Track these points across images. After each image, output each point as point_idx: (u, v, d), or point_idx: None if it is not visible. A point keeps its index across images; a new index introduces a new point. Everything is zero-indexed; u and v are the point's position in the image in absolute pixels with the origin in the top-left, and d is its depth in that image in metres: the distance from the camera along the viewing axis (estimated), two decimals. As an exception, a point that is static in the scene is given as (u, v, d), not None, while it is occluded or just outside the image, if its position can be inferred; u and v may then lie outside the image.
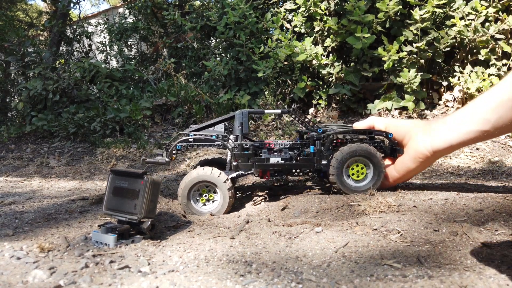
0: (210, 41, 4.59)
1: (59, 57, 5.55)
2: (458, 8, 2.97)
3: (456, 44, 3.04)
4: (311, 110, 3.41)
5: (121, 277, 0.87)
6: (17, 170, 3.04)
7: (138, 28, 5.28)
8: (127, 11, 5.89)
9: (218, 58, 4.13)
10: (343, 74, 3.24)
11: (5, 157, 3.45)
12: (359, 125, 1.61)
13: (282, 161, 1.54)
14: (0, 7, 6.83)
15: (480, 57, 2.98)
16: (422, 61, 3.03)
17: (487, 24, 2.97)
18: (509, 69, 2.92)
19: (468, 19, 2.96)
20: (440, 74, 3.20)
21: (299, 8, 3.48)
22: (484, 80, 2.84)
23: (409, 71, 2.95)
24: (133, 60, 5.34)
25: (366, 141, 1.57)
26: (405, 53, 2.96)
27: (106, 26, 5.95)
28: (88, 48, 6.07)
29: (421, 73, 3.01)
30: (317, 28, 3.37)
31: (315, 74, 3.41)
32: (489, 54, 2.93)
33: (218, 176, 1.42)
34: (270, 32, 3.66)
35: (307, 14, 3.40)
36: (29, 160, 3.33)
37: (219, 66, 3.61)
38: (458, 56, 3.13)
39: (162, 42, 5.08)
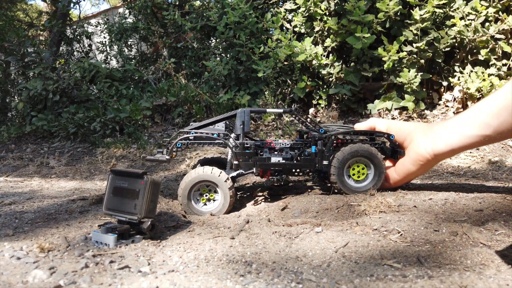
0: (210, 41, 4.59)
1: (59, 57, 5.55)
2: (458, 8, 2.97)
3: (456, 44, 3.04)
4: (311, 110, 3.41)
5: (121, 277, 0.87)
6: (17, 170, 3.04)
7: (138, 28, 5.28)
8: (127, 11, 5.89)
9: (218, 58, 4.13)
10: (343, 74, 3.24)
11: (5, 157, 3.45)
12: (361, 126, 1.61)
13: (283, 161, 1.54)
14: (0, 7, 6.83)
15: (480, 57, 2.98)
16: (422, 61, 3.03)
17: (487, 24, 2.97)
18: (509, 69, 2.92)
19: (468, 19, 2.96)
20: (440, 74, 3.20)
21: (299, 8, 3.48)
22: (484, 80, 2.84)
23: (409, 71, 2.95)
24: (133, 60, 5.34)
25: (367, 142, 1.57)
26: (405, 53, 2.96)
27: (106, 26, 5.95)
28: (88, 48, 6.07)
29: (421, 73, 3.01)
30: (317, 28, 3.37)
31: (315, 74, 3.41)
32: (489, 54, 2.93)
33: (219, 175, 1.41)
34: (270, 32, 3.66)
35: (307, 14, 3.40)
36: (29, 160, 3.33)
37: (219, 66, 3.61)
38: (458, 56, 3.13)
39: (162, 42, 5.08)
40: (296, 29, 3.49)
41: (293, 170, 1.56)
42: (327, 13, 3.36)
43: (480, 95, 2.89)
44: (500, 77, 2.89)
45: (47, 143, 3.81)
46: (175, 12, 4.43)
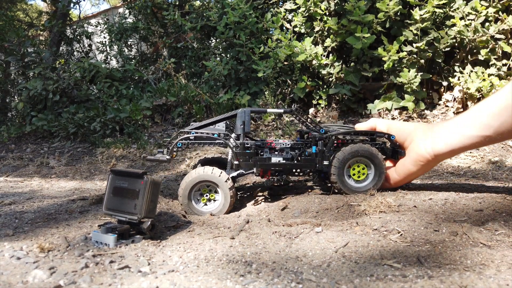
0: (210, 41, 4.59)
1: (59, 57, 5.55)
2: (458, 8, 2.97)
3: (456, 44, 3.04)
4: (311, 110, 3.41)
5: (121, 277, 0.87)
6: (17, 170, 3.04)
7: (138, 28, 5.28)
8: (127, 11, 5.89)
9: (218, 58, 4.13)
10: (343, 74, 3.24)
11: (5, 157, 3.45)
12: (361, 126, 1.61)
13: (284, 161, 1.54)
14: (0, 7, 6.83)
15: (480, 57, 2.98)
16: (422, 61, 3.03)
17: (487, 24, 2.97)
18: (509, 69, 2.92)
19: (468, 19, 2.96)
20: (440, 74, 3.20)
21: (299, 8, 3.48)
22: (484, 80, 2.84)
23: (409, 71, 2.95)
24: (133, 60, 5.34)
25: (368, 142, 1.57)
26: (405, 53, 2.96)
27: (106, 26, 5.95)
28: (88, 48, 6.07)
29: (421, 73, 3.01)
30: (317, 28, 3.37)
31: (315, 74, 3.41)
32: (489, 54, 2.93)
33: (219, 175, 1.41)
34: (270, 32, 3.66)
35: (307, 14, 3.40)
36: (29, 160, 3.33)
37: (219, 66, 3.61)
38: (458, 56, 3.13)
39: (162, 42, 5.08)
40: (296, 29, 3.49)
41: (294, 170, 1.55)
42: (327, 13, 3.36)
43: (480, 95, 2.89)
44: (500, 77, 2.89)
45: (47, 143, 3.81)
46: (175, 12, 4.43)
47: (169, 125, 3.72)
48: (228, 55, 3.88)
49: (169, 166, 2.65)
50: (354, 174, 1.53)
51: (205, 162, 1.73)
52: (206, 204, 1.46)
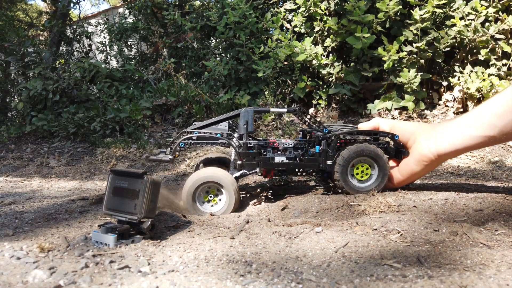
0: (210, 41, 4.59)
1: (59, 57, 5.55)
2: (458, 8, 2.97)
3: (456, 44, 3.04)
4: (311, 110, 3.41)
5: (121, 277, 0.87)
6: (17, 170, 3.04)
7: (138, 28, 5.27)
8: (127, 11, 5.88)
9: (218, 58, 4.13)
10: (343, 74, 3.24)
11: (5, 157, 3.45)
12: (365, 126, 1.61)
13: (287, 161, 1.53)
14: (0, 7, 6.83)
15: (480, 57, 2.98)
16: (422, 61, 3.03)
17: (487, 24, 2.97)
18: (509, 69, 2.92)
19: (468, 19, 2.96)
20: (440, 74, 3.20)
21: (299, 8, 3.48)
22: (484, 80, 2.84)
23: (409, 71, 2.95)
24: (133, 60, 5.34)
25: (371, 142, 1.57)
26: (405, 53, 2.96)
27: (106, 26, 5.94)
28: (88, 48, 6.07)
29: (421, 73, 3.01)
30: (317, 28, 3.37)
31: (315, 74, 3.41)
32: (489, 54, 2.93)
33: (223, 176, 1.41)
34: (270, 32, 3.66)
35: (307, 14, 3.40)
36: (29, 160, 3.33)
37: (219, 66, 3.61)
38: (458, 56, 3.13)
39: (162, 42, 5.08)
40: (296, 29, 3.49)
41: (297, 170, 1.54)
42: (327, 13, 3.36)
43: (480, 95, 2.89)
44: (500, 77, 2.89)
45: (47, 143, 3.81)
46: (175, 12, 4.43)
47: (169, 125, 3.72)
48: (228, 55, 3.88)
49: (169, 166, 2.65)
50: (357, 174, 1.53)
51: (207, 161, 1.72)
52: (211, 205, 1.45)
